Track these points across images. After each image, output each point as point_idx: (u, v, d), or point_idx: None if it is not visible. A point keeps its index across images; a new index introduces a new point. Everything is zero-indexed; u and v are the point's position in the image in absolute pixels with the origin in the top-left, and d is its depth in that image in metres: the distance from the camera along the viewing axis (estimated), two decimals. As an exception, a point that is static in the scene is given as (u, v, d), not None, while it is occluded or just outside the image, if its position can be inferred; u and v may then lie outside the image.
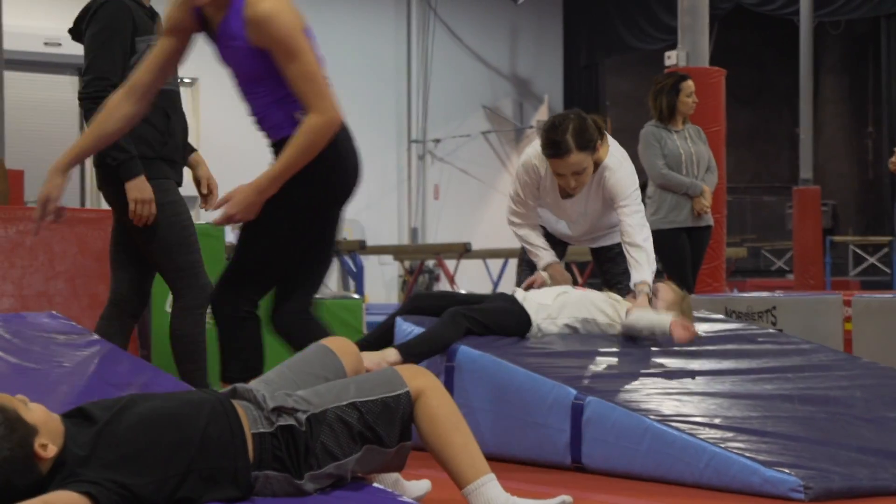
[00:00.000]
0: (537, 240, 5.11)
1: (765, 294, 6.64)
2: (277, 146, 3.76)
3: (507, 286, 12.60)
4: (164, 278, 4.56)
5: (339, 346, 3.15)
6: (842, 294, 6.11)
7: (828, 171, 20.04)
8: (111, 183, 4.42)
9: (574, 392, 3.96)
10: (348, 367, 3.09)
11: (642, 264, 4.75)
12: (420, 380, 2.96)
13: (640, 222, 4.84)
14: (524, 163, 4.99)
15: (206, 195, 4.77)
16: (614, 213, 4.92)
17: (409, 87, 19.34)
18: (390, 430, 2.88)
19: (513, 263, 15.41)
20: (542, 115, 19.74)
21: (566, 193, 4.94)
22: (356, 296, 11.02)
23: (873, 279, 16.73)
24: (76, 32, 4.55)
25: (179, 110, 4.58)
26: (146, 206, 4.36)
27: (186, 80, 17.76)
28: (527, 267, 5.23)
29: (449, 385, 4.28)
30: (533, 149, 4.97)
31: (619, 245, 5.07)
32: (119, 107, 3.83)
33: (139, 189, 4.35)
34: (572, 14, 20.56)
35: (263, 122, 3.81)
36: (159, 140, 4.46)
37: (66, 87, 16.73)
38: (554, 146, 4.72)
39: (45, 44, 16.07)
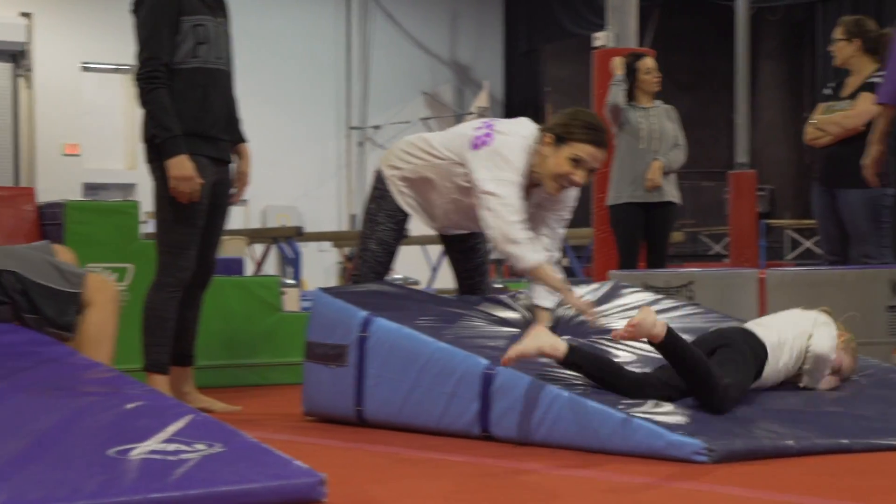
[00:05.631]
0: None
1: (682, 269, 6.71)
2: None
3: (446, 272, 12.53)
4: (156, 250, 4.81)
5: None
6: (757, 269, 6.18)
7: (766, 156, 20.18)
8: (155, 159, 4.69)
9: (485, 362, 3.98)
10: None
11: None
12: (98, 294, 3.72)
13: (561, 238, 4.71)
14: (517, 158, 4.42)
15: (236, 189, 5.03)
16: None
17: (349, 73, 19.31)
18: (58, 314, 3.72)
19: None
20: (481, 101, 19.78)
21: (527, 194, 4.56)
22: (285, 279, 11.02)
23: (809, 262, 16.89)
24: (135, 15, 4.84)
25: (223, 88, 4.80)
26: (185, 182, 4.60)
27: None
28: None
29: (362, 355, 4.29)
30: (526, 149, 4.44)
31: (477, 236, 4.87)
32: None
33: (178, 167, 4.60)
34: (512, 0, 20.61)
35: None
36: (193, 116, 4.68)
37: (1, 73, 16.62)
38: (599, 132, 4.40)
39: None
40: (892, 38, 5.36)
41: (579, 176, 4.41)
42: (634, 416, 3.61)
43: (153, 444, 2.76)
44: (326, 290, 4.60)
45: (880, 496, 3.00)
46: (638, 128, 7.35)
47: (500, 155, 4.43)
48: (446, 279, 13.35)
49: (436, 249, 13.74)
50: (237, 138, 4.97)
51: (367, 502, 2.93)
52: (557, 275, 4.48)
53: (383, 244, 4.75)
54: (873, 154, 5.44)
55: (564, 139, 4.39)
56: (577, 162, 4.39)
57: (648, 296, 5.16)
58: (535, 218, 4.63)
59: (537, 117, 22.40)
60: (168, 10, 4.67)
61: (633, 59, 7.53)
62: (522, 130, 4.52)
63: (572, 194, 4.65)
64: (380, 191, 4.79)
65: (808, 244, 17.86)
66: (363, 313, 4.33)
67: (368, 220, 4.80)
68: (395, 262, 4.86)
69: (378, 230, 4.75)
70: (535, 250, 4.41)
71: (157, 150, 4.68)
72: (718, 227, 18.72)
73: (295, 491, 2.67)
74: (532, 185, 4.53)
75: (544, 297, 4.56)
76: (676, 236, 15.73)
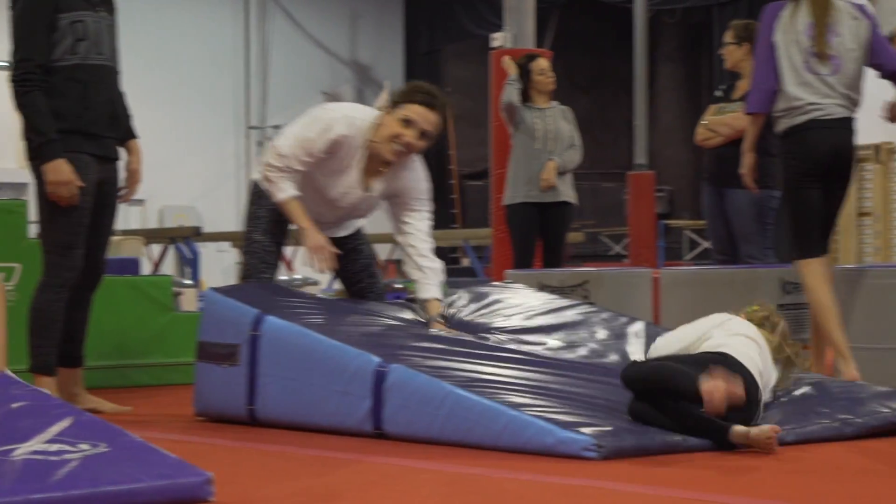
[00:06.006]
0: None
1: (577, 269, 6.76)
2: None
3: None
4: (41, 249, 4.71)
5: None
6: (651, 268, 6.27)
7: (664, 157, 20.43)
8: (36, 157, 4.60)
9: (377, 360, 3.99)
10: None
11: (432, 281, 4.70)
12: None
13: (430, 232, 4.78)
14: (342, 136, 4.58)
15: (126, 187, 4.92)
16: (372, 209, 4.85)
17: (248, 72, 19.18)
18: None
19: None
20: (382, 101, 19.78)
21: (366, 184, 4.70)
22: (188, 279, 10.91)
23: (706, 263, 17.11)
24: None
25: (106, 84, 4.70)
26: (62, 187, 4.52)
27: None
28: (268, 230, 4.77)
29: (254, 354, 4.27)
30: (353, 124, 4.62)
31: (358, 237, 4.97)
32: None
33: (55, 171, 4.52)
34: (413, 0, 20.63)
35: None
36: (74, 113, 4.60)
37: None
38: (430, 95, 4.64)
39: None
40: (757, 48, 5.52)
41: (410, 135, 4.59)
42: (525, 413, 3.63)
43: (36, 444, 2.72)
44: (218, 289, 4.58)
45: (760, 489, 3.06)
46: (533, 128, 7.39)
47: (314, 117, 4.66)
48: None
49: (336, 250, 13.69)
50: (125, 135, 4.88)
51: (256, 501, 2.92)
52: (303, 214, 4.62)
53: (268, 234, 4.77)
54: (748, 163, 5.59)
55: (398, 104, 4.64)
56: (407, 122, 4.60)
57: (543, 295, 5.20)
58: (396, 215, 4.79)
59: (438, 118, 21.94)
60: (43, 8, 4.56)
61: (526, 61, 7.56)
62: (358, 110, 4.74)
63: (422, 186, 4.77)
64: (256, 193, 4.85)
65: (705, 244, 18.11)
66: (254, 311, 4.32)
67: (250, 218, 4.84)
68: (282, 255, 4.86)
69: (260, 223, 4.79)
70: (286, 189, 4.59)
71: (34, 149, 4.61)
72: (618, 228, 18.91)
73: (181, 490, 2.65)
74: (375, 166, 4.67)
75: (429, 290, 4.68)
76: (576, 237, 15.89)
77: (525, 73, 7.47)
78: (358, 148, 4.64)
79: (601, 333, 4.71)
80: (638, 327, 4.80)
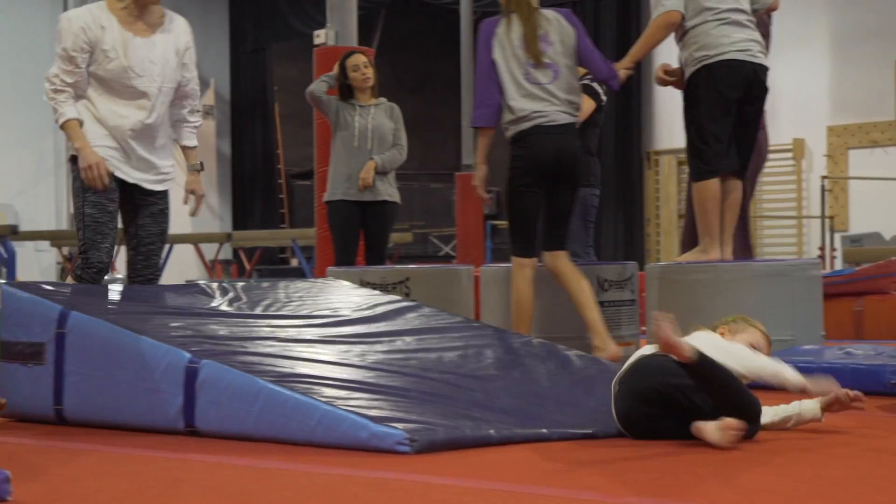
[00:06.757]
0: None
1: (398, 266, 6.77)
2: None
3: (172, 269, 12.43)
4: None
5: None
6: (473, 265, 6.31)
7: (493, 158, 20.57)
8: None
9: (188, 356, 3.91)
10: None
11: (194, 132, 5.20)
12: None
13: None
14: (83, 24, 4.85)
15: None
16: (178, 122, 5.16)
17: (69, 68, 18.75)
18: None
19: (179, 249, 15.13)
20: (208, 99, 19.54)
21: (141, 29, 4.90)
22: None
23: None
24: None
25: None
26: None
27: None
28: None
29: (61, 351, 4.15)
30: (84, 10, 4.94)
31: (165, 199, 5.11)
32: None
33: None
34: (238, -3, 20.46)
35: None
36: None
37: None
38: None
39: None
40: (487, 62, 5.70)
41: None
42: (339, 408, 3.61)
43: None
44: (14, 284, 4.41)
45: (566, 480, 3.09)
46: (354, 126, 7.34)
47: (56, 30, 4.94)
48: (174, 276, 13.03)
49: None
50: None
51: (57, 500, 2.82)
52: (79, 135, 4.87)
53: (97, 205, 4.83)
54: (481, 175, 5.83)
55: None
56: None
57: (364, 291, 5.18)
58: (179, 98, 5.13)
59: (266, 117, 22.15)
60: None
61: (345, 58, 7.54)
62: (78, 13, 4.95)
63: (193, 46, 5.04)
64: (75, 169, 4.91)
65: (531, 244, 18.34)
66: (58, 308, 4.19)
67: (75, 193, 4.92)
68: (115, 226, 4.89)
69: (88, 197, 4.86)
70: (65, 113, 4.87)
71: None
72: (447, 229, 19.03)
73: (-26, 490, 2.56)
74: (144, 22, 4.92)
75: (191, 140, 5.23)
76: (405, 237, 15.94)
77: (342, 70, 7.44)
78: (111, 20, 4.85)
79: (420, 329, 4.71)
80: (457, 323, 4.82)
